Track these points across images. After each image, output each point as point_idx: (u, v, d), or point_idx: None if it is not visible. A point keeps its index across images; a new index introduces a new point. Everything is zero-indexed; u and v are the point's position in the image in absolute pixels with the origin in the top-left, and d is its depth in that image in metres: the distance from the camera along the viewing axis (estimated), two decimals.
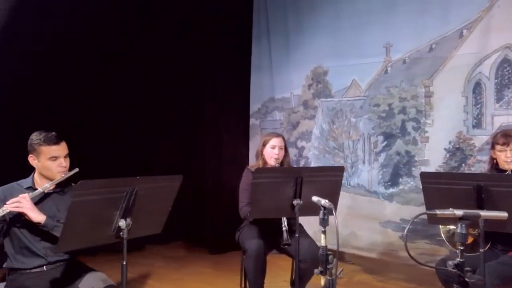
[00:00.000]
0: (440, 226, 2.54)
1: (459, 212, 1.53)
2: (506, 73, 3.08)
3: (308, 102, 4.15)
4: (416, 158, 3.46)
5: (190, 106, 4.81)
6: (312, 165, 4.05)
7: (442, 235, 2.56)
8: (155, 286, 3.51)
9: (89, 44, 4.19)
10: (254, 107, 4.61)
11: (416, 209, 3.44)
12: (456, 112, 3.28)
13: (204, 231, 4.68)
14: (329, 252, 1.72)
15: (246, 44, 4.62)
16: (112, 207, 1.67)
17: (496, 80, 3.11)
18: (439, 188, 2.01)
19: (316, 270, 1.70)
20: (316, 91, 4.08)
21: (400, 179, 3.54)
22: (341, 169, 2.33)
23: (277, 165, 2.81)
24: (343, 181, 2.46)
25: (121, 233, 1.71)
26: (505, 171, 2.34)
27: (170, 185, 1.86)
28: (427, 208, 2.09)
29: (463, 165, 3.23)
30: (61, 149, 1.99)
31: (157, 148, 4.81)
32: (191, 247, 4.71)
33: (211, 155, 4.68)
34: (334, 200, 2.37)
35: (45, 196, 1.99)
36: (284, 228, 2.56)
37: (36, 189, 2.00)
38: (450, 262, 1.47)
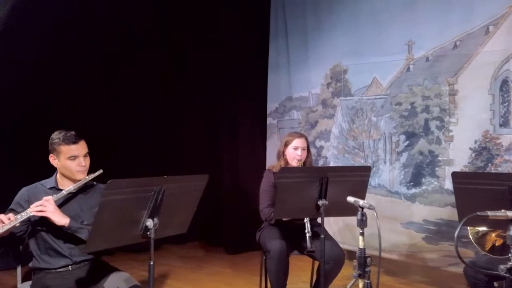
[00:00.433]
0: (469, 228, 2.47)
1: None
2: None
3: (327, 101, 4.09)
4: (440, 158, 3.38)
5: (206, 106, 4.80)
6: (331, 165, 3.99)
7: (470, 236, 2.48)
8: (175, 286, 3.51)
9: (106, 44, 4.21)
10: (271, 106, 4.57)
11: (440, 210, 3.36)
12: (482, 111, 3.19)
13: (221, 231, 4.66)
14: (367, 255, 1.68)
15: (263, 43, 4.58)
16: (140, 207, 1.65)
17: None
18: (472, 189, 1.94)
19: (354, 273, 1.66)
20: (335, 89, 4.02)
21: (423, 179, 3.46)
22: (367, 169, 2.28)
23: (300, 166, 2.77)
24: None
25: (148, 233, 1.69)
26: None
27: (196, 185, 1.84)
28: (459, 209, 2.02)
29: (489, 165, 3.14)
30: (80, 148, 1.98)
31: (173, 149, 4.81)
32: (208, 247, 4.69)
33: (227, 155, 4.66)
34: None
35: (69, 196, 1.99)
36: (308, 235, 2.50)
37: (59, 189, 2.00)
38: (502, 267, 1.42)
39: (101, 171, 2.03)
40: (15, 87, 3.81)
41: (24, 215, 1.78)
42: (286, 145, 2.85)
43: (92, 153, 2.05)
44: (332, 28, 3.99)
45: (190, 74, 4.73)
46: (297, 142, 2.79)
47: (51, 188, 2.00)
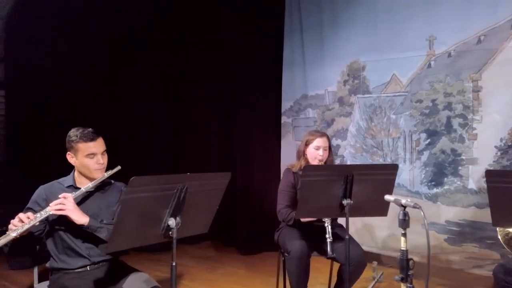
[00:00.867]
0: (498, 228, 2.37)
1: None
2: None
3: (344, 98, 4.00)
4: (463, 157, 3.27)
5: (220, 104, 4.74)
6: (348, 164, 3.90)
7: (500, 238, 2.38)
8: (190, 286, 3.45)
9: (116, 41, 4.19)
10: (286, 104, 4.49)
11: (463, 211, 3.26)
12: (508, 108, 3.08)
13: (233, 231, 4.60)
14: (410, 257, 1.59)
15: (278, 40, 4.50)
16: (162, 205, 1.59)
17: None
18: (507, 188, 1.84)
19: (396, 277, 1.57)
20: (352, 87, 3.93)
21: (445, 178, 3.35)
22: (394, 167, 2.19)
23: None
24: None
25: (170, 232, 1.63)
26: None
27: (219, 182, 1.77)
28: (493, 210, 1.92)
29: None
30: (98, 145, 1.92)
31: (186, 148, 4.76)
32: (221, 247, 4.63)
33: (241, 154, 4.59)
34: (385, 201, 2.24)
35: (87, 194, 1.93)
36: (328, 240, 2.41)
37: (77, 187, 1.95)
38: None
39: (119, 167, 1.97)
40: (20, 87, 3.82)
41: (43, 214, 1.73)
42: (307, 144, 2.76)
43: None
44: (349, 24, 3.90)
45: (203, 72, 4.67)
46: (319, 142, 2.70)
47: (68, 186, 1.94)
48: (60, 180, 1.98)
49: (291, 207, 2.66)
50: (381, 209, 2.19)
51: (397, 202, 1.64)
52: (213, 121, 4.74)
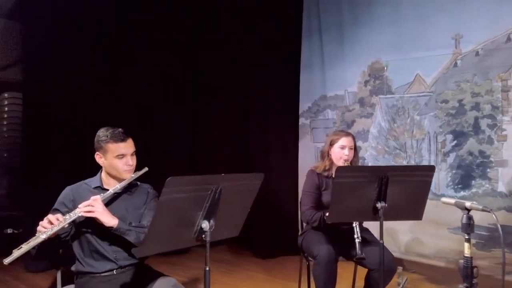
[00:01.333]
0: None
1: None
2: None
3: (365, 99, 3.91)
4: (492, 159, 3.17)
5: (237, 106, 4.68)
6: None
7: None
8: None
9: (131, 41, 4.16)
10: (304, 106, 4.42)
11: (493, 215, 3.14)
12: None
13: (249, 234, 4.52)
14: (474, 265, 1.50)
15: (295, 41, 4.43)
16: (196, 207, 1.52)
17: None
18: None
19: (460, 286, 1.48)
20: (373, 87, 3.84)
21: (473, 181, 3.25)
22: (431, 169, 2.10)
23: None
24: None
25: (203, 235, 1.56)
26: None
27: (251, 184, 1.70)
28: None
29: None
30: (128, 146, 1.86)
31: (203, 149, 4.71)
32: (237, 251, 4.55)
33: (258, 156, 4.52)
34: (421, 204, 2.16)
35: (114, 196, 1.87)
36: (357, 240, 2.33)
37: (104, 188, 1.89)
38: None
39: (146, 169, 1.92)
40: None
41: (72, 216, 1.67)
42: (331, 144, 2.68)
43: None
44: (371, 23, 3.82)
45: (220, 74, 4.61)
46: (344, 141, 2.62)
47: (96, 187, 1.89)
48: (87, 181, 1.93)
49: (315, 208, 2.59)
50: (416, 213, 2.11)
51: (459, 205, 1.54)
52: (230, 123, 4.68)
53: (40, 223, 1.65)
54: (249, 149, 4.61)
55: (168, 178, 1.35)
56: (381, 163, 3.77)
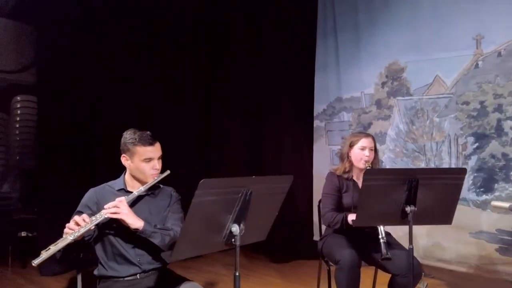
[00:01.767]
0: None
1: None
2: None
3: (382, 101, 3.86)
4: None
5: (249, 108, 4.63)
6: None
7: None
8: None
9: (146, 41, 4.16)
10: (318, 108, 4.37)
11: None
12: None
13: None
14: None
15: (310, 42, 4.39)
16: (226, 210, 1.48)
17: None
18: None
19: None
20: (391, 89, 3.78)
21: (496, 184, 3.17)
22: (462, 171, 2.04)
23: (368, 167, 2.55)
24: None
25: (233, 239, 1.51)
26: None
27: (280, 186, 1.66)
28: None
29: None
30: (156, 150, 1.82)
31: (215, 151, 4.67)
32: (250, 255, 4.49)
33: (272, 159, 4.47)
34: (451, 208, 2.10)
35: (137, 199, 1.83)
36: (382, 240, 2.27)
37: (128, 191, 1.85)
38: None
39: (168, 172, 1.88)
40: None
41: (99, 217, 1.64)
42: (351, 146, 2.63)
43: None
44: (388, 23, 3.77)
45: (233, 76, 4.58)
46: (364, 142, 2.57)
47: (119, 189, 1.85)
48: (110, 183, 1.89)
49: (336, 210, 2.53)
50: (446, 217, 2.04)
51: None
52: (243, 126, 4.64)
53: (67, 225, 1.62)
54: (263, 152, 4.56)
55: (201, 180, 1.31)
56: (399, 166, 3.70)
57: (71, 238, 1.56)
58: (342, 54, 4.13)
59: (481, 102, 3.26)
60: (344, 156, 2.69)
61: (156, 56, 4.19)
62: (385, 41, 3.80)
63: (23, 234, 3.86)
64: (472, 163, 3.31)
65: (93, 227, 1.64)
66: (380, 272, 2.61)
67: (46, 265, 3.64)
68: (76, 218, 1.62)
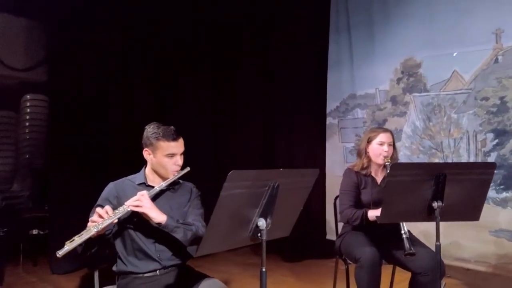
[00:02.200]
0: None
1: None
2: None
3: (397, 97, 3.79)
4: None
5: (262, 105, 4.58)
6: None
7: None
8: None
9: (162, 47, 4.13)
10: (331, 105, 4.31)
11: None
12: None
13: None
14: None
15: (322, 38, 4.34)
16: (253, 204, 1.43)
17: None
18: None
19: None
20: (407, 85, 3.71)
21: None
22: (492, 166, 1.97)
23: (387, 163, 2.49)
24: None
25: (259, 234, 1.46)
26: None
27: (306, 180, 1.61)
28: None
29: None
30: (179, 145, 1.80)
31: (227, 148, 4.62)
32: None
33: (284, 157, 4.41)
34: (479, 204, 2.03)
35: (158, 193, 1.80)
36: (404, 236, 2.22)
37: (148, 185, 1.82)
38: None
39: (188, 168, 1.84)
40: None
41: (121, 211, 1.61)
42: (369, 141, 2.58)
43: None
44: (404, 18, 3.70)
45: (245, 72, 4.53)
46: (383, 137, 2.51)
47: (140, 184, 1.82)
48: (130, 177, 1.86)
49: (354, 207, 2.48)
50: (474, 213, 1.98)
51: None
52: (255, 123, 4.59)
53: (91, 218, 1.59)
54: (275, 150, 4.51)
55: (230, 172, 1.27)
56: None
57: (95, 230, 1.53)
58: (356, 50, 4.07)
59: (501, 98, 3.19)
60: (361, 152, 2.64)
61: (166, 55, 4.15)
62: (401, 37, 3.73)
63: (35, 232, 3.84)
64: (491, 160, 3.23)
65: (115, 220, 1.60)
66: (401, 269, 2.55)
67: (58, 263, 3.63)
68: (99, 210, 1.59)
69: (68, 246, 1.50)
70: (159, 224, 1.64)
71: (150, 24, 4.03)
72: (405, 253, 2.20)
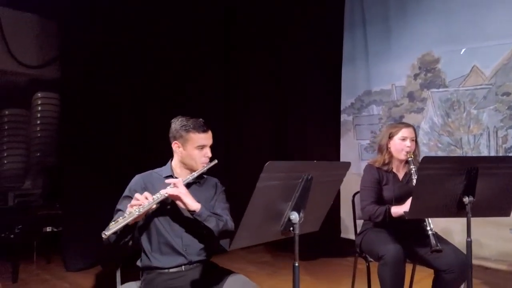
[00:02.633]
0: None
1: None
2: None
3: (415, 93, 3.73)
4: None
5: (275, 102, 4.55)
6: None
7: None
8: None
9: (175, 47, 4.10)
10: (346, 102, 4.26)
11: None
12: None
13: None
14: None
15: (336, 34, 4.29)
16: (285, 197, 1.39)
17: None
18: None
19: None
20: (424, 81, 3.66)
21: None
22: None
23: (409, 159, 2.44)
24: None
25: (291, 228, 1.43)
26: None
27: (339, 174, 1.56)
28: None
29: None
30: (209, 137, 1.79)
31: (240, 145, 4.58)
32: (275, 252, 4.40)
33: (298, 154, 4.37)
34: (510, 198, 1.98)
35: (186, 186, 1.77)
36: (430, 232, 2.17)
37: (175, 178, 1.79)
38: None
39: (216, 161, 1.82)
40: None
41: (159, 196, 1.59)
42: (390, 137, 2.52)
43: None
44: (421, 13, 3.64)
45: (258, 67, 4.49)
46: (405, 132, 2.47)
47: (166, 177, 1.78)
48: (156, 170, 1.84)
49: (376, 203, 2.43)
50: (505, 209, 1.92)
51: None
52: (268, 120, 4.55)
53: (129, 205, 1.58)
54: (288, 147, 4.47)
55: (267, 163, 1.23)
56: None
57: (137, 212, 1.52)
58: (371, 46, 4.02)
59: None
60: (383, 148, 2.59)
61: (178, 52, 4.11)
62: (417, 32, 3.68)
63: (48, 229, 3.82)
64: None
65: (154, 206, 1.59)
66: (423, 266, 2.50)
67: (72, 260, 3.61)
68: (137, 195, 1.58)
69: (113, 227, 1.49)
70: (193, 212, 1.62)
71: (162, 20, 4.00)
72: (431, 249, 2.15)
